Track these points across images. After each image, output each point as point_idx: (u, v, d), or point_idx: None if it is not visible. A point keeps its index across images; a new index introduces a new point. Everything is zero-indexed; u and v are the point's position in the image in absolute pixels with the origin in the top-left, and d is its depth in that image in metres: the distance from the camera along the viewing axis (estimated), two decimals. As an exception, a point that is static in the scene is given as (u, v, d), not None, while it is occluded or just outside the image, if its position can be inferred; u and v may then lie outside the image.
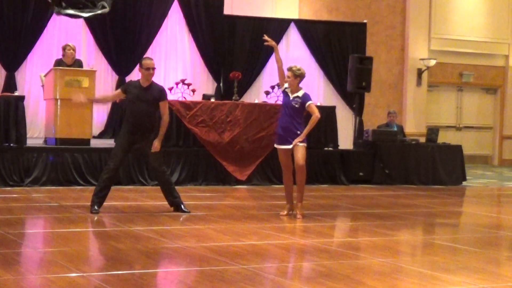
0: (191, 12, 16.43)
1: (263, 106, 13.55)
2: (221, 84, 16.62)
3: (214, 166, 13.05)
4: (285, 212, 9.47)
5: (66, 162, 11.95)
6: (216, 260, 6.49)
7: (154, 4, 16.03)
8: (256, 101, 14.29)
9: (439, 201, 12.30)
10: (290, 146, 9.22)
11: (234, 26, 16.79)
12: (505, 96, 21.72)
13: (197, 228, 8.31)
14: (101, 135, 15.31)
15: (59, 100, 12.02)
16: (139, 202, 10.53)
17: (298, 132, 9.20)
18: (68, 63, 12.39)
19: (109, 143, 12.75)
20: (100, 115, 15.40)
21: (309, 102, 9.25)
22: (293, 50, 17.32)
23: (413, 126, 19.91)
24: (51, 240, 7.71)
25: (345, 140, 15.67)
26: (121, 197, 10.74)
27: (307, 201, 10.23)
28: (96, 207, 9.00)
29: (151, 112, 9.08)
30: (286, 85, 9.35)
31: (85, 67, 12.65)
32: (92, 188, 10.23)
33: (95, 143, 12.96)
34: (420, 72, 20.16)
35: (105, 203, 9.20)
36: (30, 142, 12.37)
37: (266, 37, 9.64)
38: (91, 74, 12.37)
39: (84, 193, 10.90)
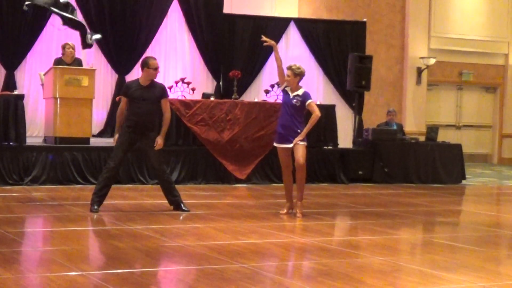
0: (190, 11, 16.43)
1: (262, 105, 13.55)
2: (220, 83, 16.62)
3: (213, 165, 13.05)
4: (285, 211, 9.47)
5: (66, 161, 11.95)
6: (216, 259, 6.49)
7: (153, 3, 16.03)
8: (256, 100, 14.29)
9: (438, 200, 12.30)
10: (290, 145, 9.22)
11: (233, 25, 16.80)
12: (504, 94, 21.72)
13: (197, 227, 8.31)
14: (100, 134, 15.32)
15: (58, 99, 12.02)
16: (139, 201, 10.53)
17: (299, 131, 9.19)
18: (67, 62, 12.39)
19: (108, 142, 12.74)
20: (99, 114, 15.40)
21: (309, 101, 9.25)
22: (292, 49, 17.32)
23: (413, 125, 19.91)
24: (50, 239, 7.71)
25: (345, 139, 15.68)
26: (121, 196, 10.75)
27: (306, 200, 10.23)
28: (96, 206, 9.00)
29: (153, 110, 9.10)
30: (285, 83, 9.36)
31: (84, 66, 12.65)
32: (92, 187, 10.23)
33: (94, 142, 12.96)
34: (419, 71, 20.16)
35: (105, 202, 9.19)
36: (29, 141, 12.37)
37: (264, 38, 9.63)
38: (90, 73, 12.37)
39: (84, 192, 10.91)
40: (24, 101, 12.21)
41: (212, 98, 13.54)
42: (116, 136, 9.17)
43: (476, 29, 21.00)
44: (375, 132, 14.77)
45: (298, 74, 9.26)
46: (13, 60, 14.86)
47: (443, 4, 20.59)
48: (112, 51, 15.73)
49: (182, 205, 9.32)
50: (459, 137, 20.29)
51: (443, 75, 20.99)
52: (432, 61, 19.99)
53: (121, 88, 15.47)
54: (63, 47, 12.55)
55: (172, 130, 12.64)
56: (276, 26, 17.15)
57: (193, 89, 14.08)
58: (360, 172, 14.32)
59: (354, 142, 15.40)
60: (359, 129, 15.91)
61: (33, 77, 14.71)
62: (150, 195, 10.98)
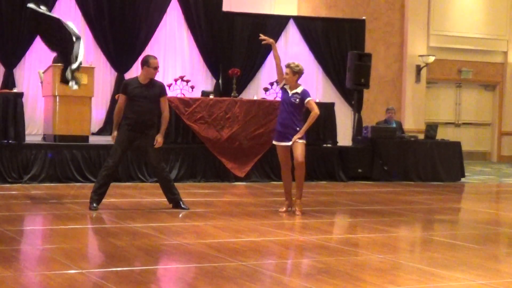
0: (190, 9, 16.41)
1: (262, 103, 13.56)
2: (220, 81, 16.61)
3: (213, 163, 13.05)
4: (284, 209, 9.47)
5: (65, 159, 11.95)
6: (215, 257, 6.49)
7: (153, 1, 16.01)
8: (255, 98, 14.30)
9: (437, 198, 12.30)
10: (289, 143, 9.22)
11: (233, 23, 16.78)
12: (503, 92, 21.72)
13: (196, 225, 8.31)
14: (99, 132, 15.30)
15: (57, 97, 12.03)
16: (138, 199, 10.53)
17: (298, 129, 9.19)
18: (66, 60, 12.36)
19: (107, 140, 12.72)
20: (98, 112, 15.39)
21: (308, 99, 9.25)
22: (292, 47, 17.31)
23: (412, 123, 19.91)
24: (50, 237, 7.71)
25: (344, 136, 15.68)
26: (120, 194, 10.75)
27: (306, 198, 10.23)
28: (95, 204, 9.00)
29: (153, 109, 9.11)
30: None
31: (83, 64, 12.62)
32: (91, 185, 10.23)
33: (93, 140, 12.96)
34: (419, 69, 20.15)
35: (104, 200, 9.19)
36: (28, 139, 12.38)
37: (262, 36, 9.63)
38: (90, 71, 12.37)
39: (83, 190, 10.90)
40: (23, 99, 12.22)
41: (211, 96, 13.54)
42: (115, 133, 9.17)
43: (475, 27, 20.99)
44: (374, 130, 14.77)
45: (297, 72, 9.26)
46: (12, 58, 14.84)
47: (442, 2, 20.59)
48: (111, 49, 15.72)
49: (181, 203, 9.33)
50: (458, 135, 20.29)
51: (442, 73, 20.99)
52: (431, 59, 19.98)
53: (120, 86, 15.59)
54: (63, 45, 12.53)
55: (171, 128, 12.64)
56: (275, 24, 17.14)
57: (192, 87, 14.08)
58: (359, 170, 14.32)
59: (353, 140, 15.40)
60: (358, 127, 15.91)
61: (32, 75, 14.70)
62: (149, 193, 10.98)
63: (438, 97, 21.16)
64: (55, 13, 14.62)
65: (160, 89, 9.18)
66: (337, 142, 14.49)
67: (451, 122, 21.28)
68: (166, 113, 9.22)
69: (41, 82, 12.79)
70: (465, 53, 21.01)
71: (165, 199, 9.40)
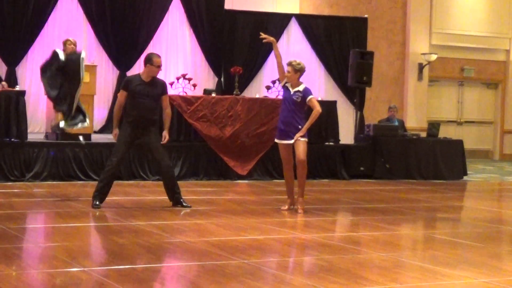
0: (191, 7, 16.42)
1: (264, 101, 13.55)
2: (222, 79, 16.61)
3: (215, 161, 13.05)
4: (286, 207, 9.47)
5: (67, 157, 11.95)
6: (217, 255, 6.49)
7: (154, -1, 16.04)
8: (257, 96, 14.29)
9: (440, 196, 12.30)
10: (291, 141, 9.22)
11: (235, 21, 16.78)
12: (506, 90, 21.71)
13: (198, 223, 8.31)
14: (102, 130, 15.30)
15: (60, 95, 12.00)
16: (140, 197, 10.54)
17: (300, 127, 9.19)
18: (68, 58, 12.37)
19: (110, 138, 12.73)
20: (101, 110, 15.39)
21: (310, 97, 9.25)
22: (293, 45, 17.30)
23: (414, 121, 19.90)
24: (52, 235, 7.72)
25: (346, 135, 15.67)
26: (122, 192, 10.75)
27: (308, 196, 10.24)
28: (97, 202, 9.01)
29: (155, 106, 9.14)
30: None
31: (85, 62, 12.63)
32: (93, 183, 10.25)
33: (96, 138, 12.97)
34: (421, 67, 20.14)
35: (106, 198, 9.19)
36: (31, 137, 12.37)
37: (262, 35, 9.63)
38: (92, 69, 12.37)
39: (85, 188, 10.91)
40: (26, 97, 12.23)
41: (213, 94, 13.54)
42: (116, 131, 9.17)
43: (477, 25, 20.97)
44: (376, 128, 14.77)
45: (299, 70, 9.25)
46: (15, 56, 14.85)
47: (444, 0, 20.57)
48: (113, 47, 15.73)
49: (182, 201, 9.33)
50: (461, 133, 20.28)
51: (444, 71, 20.97)
52: (433, 57, 19.97)
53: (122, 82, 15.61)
54: (64, 43, 12.53)
55: (173, 126, 12.64)
56: (277, 22, 17.14)
57: (194, 85, 14.08)
58: (362, 168, 14.32)
59: (355, 138, 15.40)
60: (360, 125, 15.91)
61: (35, 73, 14.70)
62: (152, 191, 10.98)
63: (440, 95, 21.15)
64: (58, 12, 14.79)
65: (162, 87, 9.21)
66: (339, 140, 14.49)
67: (453, 120, 21.27)
68: (168, 110, 9.28)
69: (43, 80, 12.77)
70: (467, 51, 20.99)
71: (167, 197, 9.40)
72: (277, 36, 16.02)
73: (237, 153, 13.14)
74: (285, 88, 9.38)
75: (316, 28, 17.45)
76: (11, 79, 14.57)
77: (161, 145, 9.17)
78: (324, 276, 5.80)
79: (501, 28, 21.30)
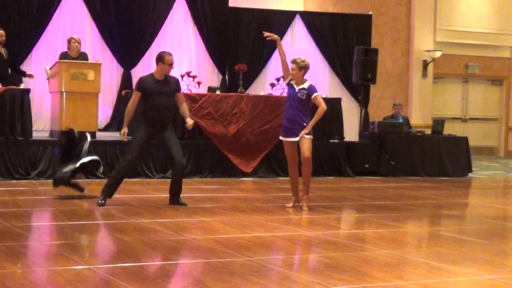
0: (196, 4, 16.42)
1: (268, 99, 13.55)
2: (226, 77, 16.61)
3: (219, 158, 13.05)
4: (291, 204, 9.47)
5: (72, 155, 11.94)
6: (222, 252, 6.49)
7: (158, -3, 16.05)
8: (262, 93, 14.28)
9: (445, 193, 12.29)
10: (296, 139, 9.21)
11: (239, 19, 16.78)
12: (511, 87, 21.66)
13: (203, 221, 8.32)
14: (106, 128, 15.33)
15: (64, 93, 12.03)
16: (145, 194, 10.54)
17: (305, 124, 9.19)
18: (73, 56, 12.39)
19: (114, 136, 12.76)
20: (105, 108, 15.41)
21: (315, 94, 9.24)
22: (298, 42, 17.29)
23: (419, 118, 19.87)
24: (57, 232, 7.73)
25: (351, 132, 15.67)
26: (127, 189, 10.75)
27: (313, 193, 10.23)
28: (103, 200, 9.03)
29: (171, 104, 9.23)
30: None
31: (90, 60, 12.65)
32: (98, 181, 10.28)
33: (100, 136, 12.97)
34: (425, 64, 20.11)
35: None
36: (35, 135, 12.38)
37: (266, 33, 9.62)
38: (96, 67, 12.37)
39: (90, 186, 10.90)
40: (30, 95, 12.24)
41: (217, 92, 13.53)
42: (125, 130, 9.14)
43: (482, 21, 20.92)
44: (381, 125, 14.75)
45: (303, 68, 9.25)
46: (19, 55, 14.86)
47: (448, -3, 20.55)
48: (118, 45, 15.74)
49: (180, 201, 9.32)
50: (465, 130, 20.23)
51: (449, 68, 20.93)
52: (438, 54, 19.93)
53: (127, 82, 15.62)
54: (69, 41, 12.56)
55: (178, 124, 12.63)
56: (281, 20, 17.13)
57: (198, 83, 14.07)
58: (366, 166, 14.31)
59: (360, 135, 15.39)
60: (365, 122, 15.89)
61: (39, 71, 14.72)
62: (156, 189, 10.99)
63: (445, 92, 21.11)
64: (62, 10, 14.81)
65: (176, 84, 9.35)
66: (344, 138, 14.47)
67: (458, 117, 21.23)
68: (185, 104, 9.45)
69: (48, 78, 12.80)
70: (472, 48, 20.94)
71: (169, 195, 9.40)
72: (282, 34, 16.00)
73: (242, 151, 13.14)
74: (289, 85, 9.38)
75: (321, 25, 17.44)
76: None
77: (177, 142, 9.19)
78: (329, 274, 5.80)
79: (506, 24, 21.24)
